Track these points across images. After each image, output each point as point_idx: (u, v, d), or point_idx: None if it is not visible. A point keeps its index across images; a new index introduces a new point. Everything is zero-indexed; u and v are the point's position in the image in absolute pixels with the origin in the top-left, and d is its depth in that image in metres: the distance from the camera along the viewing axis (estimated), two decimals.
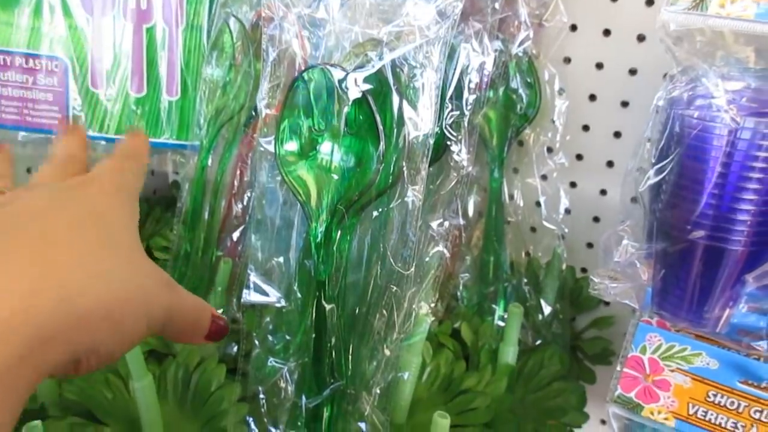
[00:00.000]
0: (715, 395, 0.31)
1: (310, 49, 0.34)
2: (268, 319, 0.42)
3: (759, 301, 0.30)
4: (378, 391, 0.38)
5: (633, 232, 0.33)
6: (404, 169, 0.34)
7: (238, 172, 0.46)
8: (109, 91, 0.49)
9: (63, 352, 0.21)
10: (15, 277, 0.20)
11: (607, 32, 0.50)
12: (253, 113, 0.43)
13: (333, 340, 0.37)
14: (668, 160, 0.29)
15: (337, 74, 0.33)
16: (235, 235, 0.46)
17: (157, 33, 0.48)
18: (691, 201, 0.29)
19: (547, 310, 0.51)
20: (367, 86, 0.33)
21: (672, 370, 0.32)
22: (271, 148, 0.37)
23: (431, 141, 0.34)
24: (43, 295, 0.20)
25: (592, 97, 0.52)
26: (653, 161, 0.30)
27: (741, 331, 0.31)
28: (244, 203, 0.45)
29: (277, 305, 0.39)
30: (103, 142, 0.50)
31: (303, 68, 0.38)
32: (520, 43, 0.43)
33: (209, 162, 0.46)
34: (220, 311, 0.47)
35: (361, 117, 0.33)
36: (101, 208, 0.25)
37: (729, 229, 0.28)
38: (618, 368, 0.33)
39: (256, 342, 0.41)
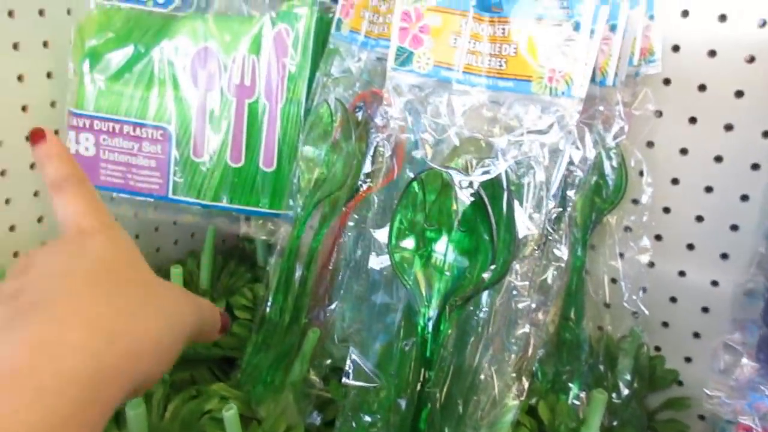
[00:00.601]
0: None
1: (431, 152, 0.36)
2: (355, 392, 0.44)
3: None
4: None
5: (743, 342, 0.33)
6: (513, 265, 0.36)
7: (335, 248, 0.47)
8: (208, 161, 0.51)
9: (123, 389, 0.24)
10: (65, 336, 0.23)
11: (693, 120, 0.51)
12: (355, 193, 0.45)
13: (428, 425, 0.38)
14: None
15: (455, 177, 0.34)
16: (328, 308, 0.47)
17: (258, 108, 0.50)
18: None
19: (624, 391, 0.51)
20: (482, 188, 0.34)
21: None
22: (379, 236, 0.39)
23: (543, 239, 0.36)
24: (95, 346, 0.23)
25: (675, 181, 0.52)
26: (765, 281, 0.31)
27: None
28: (338, 278, 0.46)
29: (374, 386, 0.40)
30: (199, 208, 0.52)
31: (405, 159, 0.40)
32: (615, 136, 0.44)
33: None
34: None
35: (476, 217, 0.34)
36: (106, 255, 0.27)
37: None
38: None
39: (348, 416, 0.42)
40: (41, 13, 0.53)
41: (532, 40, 0.33)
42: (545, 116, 0.33)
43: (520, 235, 0.35)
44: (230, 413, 0.40)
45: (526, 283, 0.36)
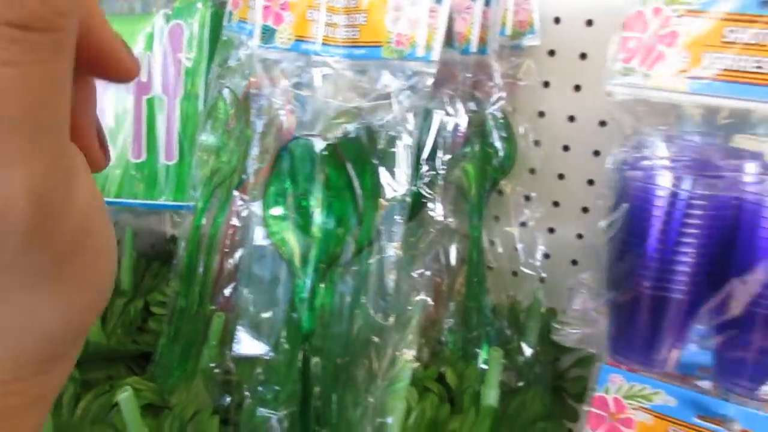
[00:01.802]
0: (675, 431, 0.33)
1: (295, 120, 0.38)
2: (259, 370, 0.45)
3: (704, 339, 0.32)
4: None
5: (593, 280, 0.35)
6: (382, 227, 0.37)
7: (231, 231, 0.48)
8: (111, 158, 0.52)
9: None
10: None
11: (577, 87, 0.53)
12: (244, 177, 0.46)
13: (319, 390, 0.39)
14: (617, 216, 0.32)
15: (318, 144, 0.36)
16: (228, 291, 0.48)
17: (156, 103, 0.51)
18: (636, 255, 0.31)
19: (528, 352, 0.53)
20: (345, 153, 0.36)
21: (634, 409, 0.34)
22: (259, 210, 0.40)
23: (408, 200, 0.37)
24: None
25: (566, 148, 0.55)
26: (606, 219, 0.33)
27: (701, 369, 0.34)
28: (236, 260, 0.47)
29: (266, 357, 0.41)
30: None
31: (288, 137, 0.41)
32: (494, 103, 0.46)
33: (203, 221, 0.49)
34: (212, 365, 0.50)
35: (341, 182, 0.36)
36: None
37: (670, 280, 0.31)
38: (585, 408, 0.35)
39: (247, 393, 0.43)
40: None
41: (380, 7, 0.35)
42: (399, 79, 0.35)
43: (388, 197, 0.37)
44: (125, 396, 0.40)
45: (398, 242, 0.38)
